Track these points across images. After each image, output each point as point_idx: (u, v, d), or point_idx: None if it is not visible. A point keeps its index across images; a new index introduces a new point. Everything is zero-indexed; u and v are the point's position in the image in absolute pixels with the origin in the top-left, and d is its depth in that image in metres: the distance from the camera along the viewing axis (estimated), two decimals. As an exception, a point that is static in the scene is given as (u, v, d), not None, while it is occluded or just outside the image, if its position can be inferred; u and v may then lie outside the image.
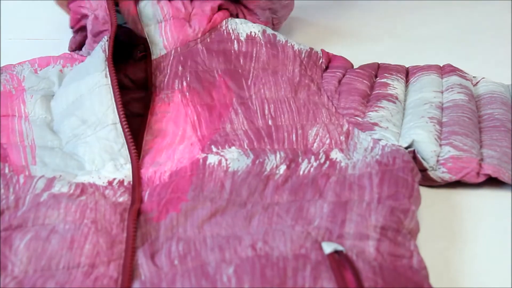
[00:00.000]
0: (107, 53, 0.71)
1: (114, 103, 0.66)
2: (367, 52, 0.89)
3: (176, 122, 0.68)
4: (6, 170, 0.62)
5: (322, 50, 0.81)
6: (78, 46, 0.84)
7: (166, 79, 0.73)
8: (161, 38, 0.78)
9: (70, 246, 0.51)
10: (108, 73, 0.69)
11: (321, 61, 0.79)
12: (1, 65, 0.78)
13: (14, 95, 0.72)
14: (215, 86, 0.72)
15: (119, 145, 0.64)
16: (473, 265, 0.54)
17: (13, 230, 0.53)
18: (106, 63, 0.70)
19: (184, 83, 0.72)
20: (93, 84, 0.69)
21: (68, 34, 0.86)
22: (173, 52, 0.76)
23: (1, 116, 0.69)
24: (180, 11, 0.80)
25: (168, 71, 0.74)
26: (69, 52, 0.83)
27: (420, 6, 1.06)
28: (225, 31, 0.79)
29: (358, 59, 0.83)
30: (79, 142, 0.65)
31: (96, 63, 0.71)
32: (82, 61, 0.78)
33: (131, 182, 0.61)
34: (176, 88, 0.72)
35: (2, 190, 0.59)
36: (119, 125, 0.65)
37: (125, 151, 0.64)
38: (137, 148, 0.65)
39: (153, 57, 0.76)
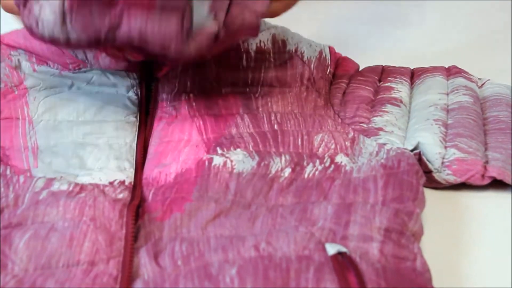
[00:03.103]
0: (139, 97, 0.71)
1: (136, 138, 0.67)
2: (371, 52, 0.89)
3: (182, 129, 0.67)
4: (8, 172, 0.61)
5: (331, 50, 0.80)
6: None
7: (173, 92, 0.71)
8: None
9: (69, 244, 0.51)
10: (139, 116, 0.70)
11: (328, 70, 0.78)
12: (1, 65, 0.77)
13: (17, 96, 0.71)
14: (223, 98, 0.72)
15: (128, 155, 0.65)
16: (477, 268, 0.54)
17: (13, 228, 0.53)
18: (139, 109, 0.71)
19: (191, 95, 0.71)
20: (120, 118, 0.69)
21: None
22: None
23: (4, 119, 0.69)
24: None
25: (177, 83, 0.72)
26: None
27: (422, 6, 1.06)
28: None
29: (362, 61, 0.83)
30: (89, 142, 0.66)
31: (124, 100, 0.71)
32: (77, 63, 0.74)
33: (132, 183, 0.61)
34: (183, 99, 0.71)
35: (2, 189, 0.59)
36: (134, 144, 0.66)
37: (131, 158, 0.64)
38: (143, 155, 0.65)
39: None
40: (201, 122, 0.68)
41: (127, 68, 0.72)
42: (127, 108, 0.70)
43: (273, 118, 0.69)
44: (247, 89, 0.74)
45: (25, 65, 0.74)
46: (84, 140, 0.66)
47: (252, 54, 0.76)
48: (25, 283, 0.48)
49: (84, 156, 0.64)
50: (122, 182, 0.61)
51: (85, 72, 0.74)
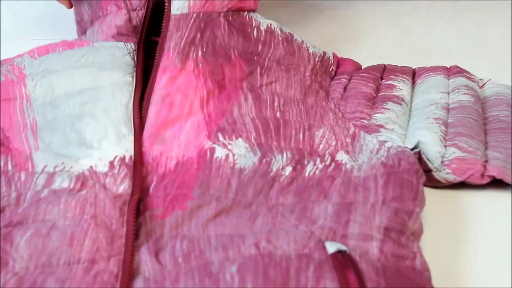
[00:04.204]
0: (136, 62, 0.71)
1: (133, 97, 0.67)
2: (372, 53, 0.89)
3: (185, 93, 0.67)
4: (9, 167, 0.61)
5: (334, 55, 0.81)
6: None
7: (182, 43, 0.71)
8: (188, 1, 0.73)
9: (70, 242, 0.51)
10: (135, 75, 0.70)
11: (331, 68, 0.79)
12: (3, 68, 0.77)
13: (16, 82, 0.71)
14: (229, 64, 0.71)
15: (125, 117, 0.65)
16: (476, 267, 0.54)
17: (14, 227, 0.53)
18: (135, 70, 0.71)
19: (200, 53, 0.71)
20: (116, 81, 0.69)
21: (67, 35, 0.85)
22: (194, 15, 0.73)
23: (3, 100, 0.69)
24: None
25: (186, 34, 0.71)
26: (68, 40, 0.79)
27: (422, 7, 1.06)
28: (247, 16, 0.77)
29: (364, 61, 0.83)
30: (86, 113, 0.65)
31: (119, 63, 0.71)
32: (81, 45, 0.75)
33: (133, 158, 0.61)
34: (190, 56, 0.70)
35: (4, 188, 0.59)
36: (130, 105, 0.66)
37: (129, 121, 0.64)
38: (141, 116, 0.65)
39: (173, 11, 0.73)
40: (204, 92, 0.67)
41: (126, 39, 0.74)
42: (123, 69, 0.70)
43: (276, 103, 0.69)
44: (255, 58, 0.74)
45: (27, 60, 0.75)
46: (82, 111, 0.66)
47: (263, 30, 0.76)
48: (25, 281, 0.48)
49: (82, 129, 0.64)
50: (122, 160, 0.61)
51: (84, 48, 0.75)
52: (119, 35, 0.74)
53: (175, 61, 0.69)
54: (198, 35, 0.72)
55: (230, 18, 0.75)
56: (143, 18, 0.74)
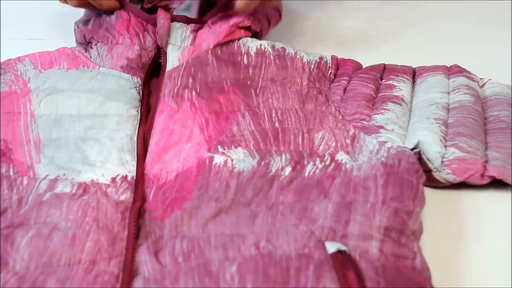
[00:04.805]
0: (141, 96, 0.73)
1: (137, 130, 0.68)
2: (372, 52, 0.89)
3: (184, 124, 0.68)
4: (11, 172, 0.62)
5: (332, 57, 0.81)
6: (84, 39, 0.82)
7: (176, 89, 0.72)
8: (178, 57, 0.77)
9: (71, 243, 0.51)
10: (140, 110, 0.71)
11: (330, 71, 0.79)
12: (6, 75, 0.77)
13: (20, 95, 0.71)
14: (223, 93, 0.72)
15: (129, 146, 0.65)
16: (476, 267, 0.54)
17: (15, 228, 0.53)
18: (140, 105, 0.72)
19: (194, 93, 0.72)
20: (122, 112, 0.70)
21: (67, 34, 0.85)
22: (184, 64, 0.76)
23: (6, 113, 0.69)
24: (206, 41, 0.79)
25: (179, 82, 0.73)
26: (68, 48, 0.81)
27: (422, 6, 1.06)
28: (235, 45, 0.79)
29: (364, 60, 0.83)
30: (91, 137, 0.66)
31: (126, 96, 0.72)
32: (86, 64, 0.77)
33: (135, 178, 0.61)
34: (185, 97, 0.71)
35: (6, 191, 0.59)
36: (134, 137, 0.67)
37: (133, 150, 0.65)
38: (143, 146, 0.66)
39: (167, 69, 0.76)
40: (203, 120, 0.68)
41: (134, 72, 0.75)
42: (129, 102, 0.71)
43: (273, 115, 0.69)
44: (248, 82, 0.74)
45: (31, 72, 0.75)
46: (86, 135, 0.66)
47: (253, 54, 0.77)
48: (26, 281, 0.48)
49: (86, 150, 0.64)
50: (124, 178, 0.61)
51: (91, 71, 0.76)
52: (128, 67, 0.75)
53: (171, 104, 0.71)
54: (191, 80, 0.74)
55: (219, 52, 0.77)
56: (151, 59, 0.77)
